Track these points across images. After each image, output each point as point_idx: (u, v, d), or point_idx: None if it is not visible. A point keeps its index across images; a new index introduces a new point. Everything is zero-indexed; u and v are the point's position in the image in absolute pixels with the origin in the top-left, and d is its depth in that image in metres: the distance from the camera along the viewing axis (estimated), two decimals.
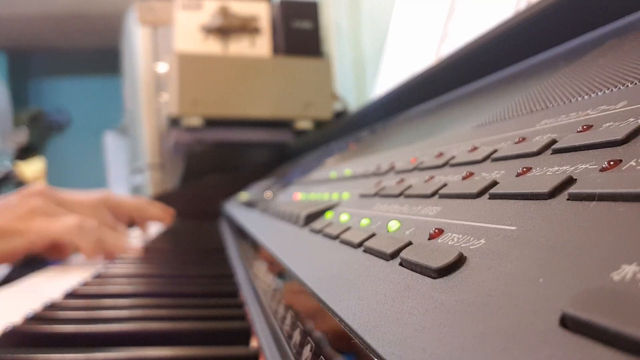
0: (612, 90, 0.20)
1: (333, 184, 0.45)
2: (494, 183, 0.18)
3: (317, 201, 0.39)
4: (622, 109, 0.17)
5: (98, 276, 0.49)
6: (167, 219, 0.98)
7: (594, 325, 0.08)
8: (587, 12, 0.33)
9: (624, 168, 0.13)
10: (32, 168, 3.15)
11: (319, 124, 1.33)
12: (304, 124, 1.33)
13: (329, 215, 0.32)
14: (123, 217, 0.92)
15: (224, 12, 1.36)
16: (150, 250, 0.71)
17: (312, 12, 1.41)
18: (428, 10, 0.80)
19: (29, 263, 0.68)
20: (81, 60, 4.13)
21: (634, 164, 0.13)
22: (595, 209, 0.12)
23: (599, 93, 0.21)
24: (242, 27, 1.37)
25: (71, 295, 0.40)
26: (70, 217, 0.63)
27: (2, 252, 0.58)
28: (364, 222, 0.25)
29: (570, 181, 0.14)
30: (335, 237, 0.25)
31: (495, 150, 0.22)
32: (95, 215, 0.66)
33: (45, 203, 0.65)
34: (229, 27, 1.36)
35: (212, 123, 1.29)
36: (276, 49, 1.39)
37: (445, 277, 0.14)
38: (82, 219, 0.63)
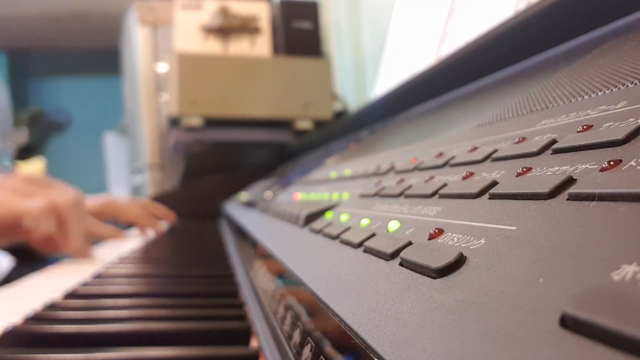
0: (612, 90, 0.20)
1: (333, 184, 0.45)
2: (494, 183, 0.18)
3: (317, 201, 0.39)
4: (622, 109, 0.17)
5: (98, 276, 0.49)
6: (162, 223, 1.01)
7: (594, 325, 0.08)
8: (587, 12, 0.33)
9: (624, 168, 0.13)
10: (32, 168, 3.15)
11: (319, 124, 1.33)
12: (304, 124, 1.32)
13: (329, 215, 0.32)
14: (125, 221, 0.94)
15: (224, 12, 1.36)
16: (151, 250, 0.71)
17: (312, 12, 1.41)
18: (428, 10, 0.80)
19: (30, 262, 0.68)
20: (81, 60, 4.13)
21: (634, 164, 0.13)
22: (595, 209, 0.12)
23: (599, 93, 0.21)
24: (242, 27, 1.37)
25: (71, 295, 0.40)
26: (39, 199, 0.58)
27: None
28: (364, 222, 0.25)
29: (570, 181, 0.14)
30: (335, 237, 0.25)
31: (495, 150, 0.22)
32: (74, 213, 0.61)
33: (25, 185, 0.61)
34: (229, 27, 1.36)
35: (212, 123, 1.29)
36: (276, 49, 1.39)
37: (445, 277, 0.14)
38: (52, 204, 0.59)
